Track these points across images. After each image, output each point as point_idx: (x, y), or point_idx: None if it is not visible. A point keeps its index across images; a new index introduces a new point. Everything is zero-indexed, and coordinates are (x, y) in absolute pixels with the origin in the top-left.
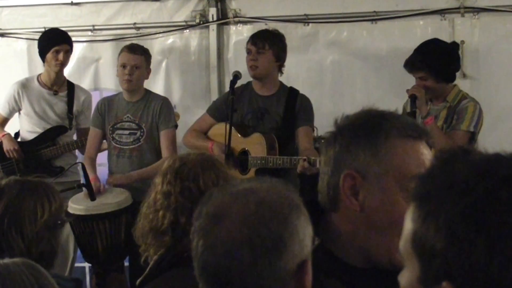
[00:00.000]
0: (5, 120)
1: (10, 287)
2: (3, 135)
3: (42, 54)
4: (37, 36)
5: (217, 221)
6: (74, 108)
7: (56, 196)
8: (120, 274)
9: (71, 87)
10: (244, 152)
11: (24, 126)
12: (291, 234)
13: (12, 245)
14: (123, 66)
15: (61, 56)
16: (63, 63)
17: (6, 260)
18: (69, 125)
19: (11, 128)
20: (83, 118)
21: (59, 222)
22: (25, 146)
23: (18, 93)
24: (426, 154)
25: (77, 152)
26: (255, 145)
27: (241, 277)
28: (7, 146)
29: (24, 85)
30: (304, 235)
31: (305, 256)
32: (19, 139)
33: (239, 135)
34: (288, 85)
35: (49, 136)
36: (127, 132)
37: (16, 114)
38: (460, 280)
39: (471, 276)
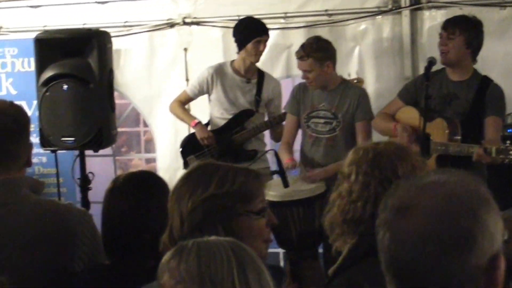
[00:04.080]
0: (190, 100)
1: (205, 262)
2: (195, 124)
3: (242, 43)
4: (232, 24)
5: (403, 214)
6: (264, 95)
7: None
8: (314, 261)
9: (261, 74)
10: (427, 137)
11: (214, 112)
12: (480, 229)
13: None
14: None
15: (262, 46)
16: (261, 54)
17: (212, 237)
18: (256, 108)
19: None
20: (274, 107)
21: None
22: (216, 133)
23: (212, 78)
24: None
25: (266, 139)
26: (437, 130)
27: (428, 272)
28: (200, 134)
29: (219, 71)
30: (495, 229)
31: (496, 251)
32: (209, 127)
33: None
34: (484, 72)
35: (238, 121)
36: (322, 121)
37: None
38: None
39: None
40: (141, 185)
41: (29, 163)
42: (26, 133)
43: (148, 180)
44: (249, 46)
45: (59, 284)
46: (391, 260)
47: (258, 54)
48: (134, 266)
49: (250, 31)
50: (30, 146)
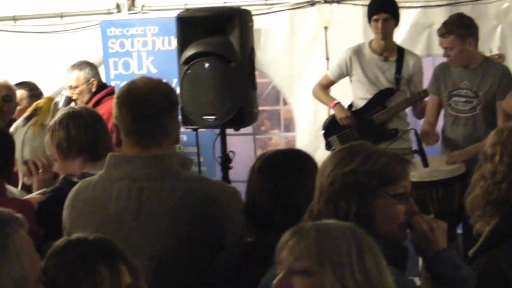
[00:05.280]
0: (331, 83)
1: (325, 242)
2: (334, 105)
3: (368, 22)
4: None
5: None
6: (404, 72)
7: None
8: (453, 241)
9: (401, 51)
10: None
11: (356, 93)
12: None
13: None
14: None
15: (379, 25)
16: (384, 32)
17: (331, 221)
18: (397, 86)
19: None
20: (414, 84)
21: None
22: (357, 114)
23: (350, 59)
24: None
25: (408, 118)
26: None
27: None
28: (339, 114)
29: (357, 52)
30: None
31: None
32: (353, 109)
33: None
34: None
35: (378, 100)
36: (463, 99)
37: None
38: None
39: None
40: (287, 163)
41: (177, 140)
42: (176, 109)
43: (294, 158)
44: (372, 24)
45: (210, 258)
46: None
47: (379, 32)
48: (274, 244)
49: (369, 10)
50: (179, 123)
